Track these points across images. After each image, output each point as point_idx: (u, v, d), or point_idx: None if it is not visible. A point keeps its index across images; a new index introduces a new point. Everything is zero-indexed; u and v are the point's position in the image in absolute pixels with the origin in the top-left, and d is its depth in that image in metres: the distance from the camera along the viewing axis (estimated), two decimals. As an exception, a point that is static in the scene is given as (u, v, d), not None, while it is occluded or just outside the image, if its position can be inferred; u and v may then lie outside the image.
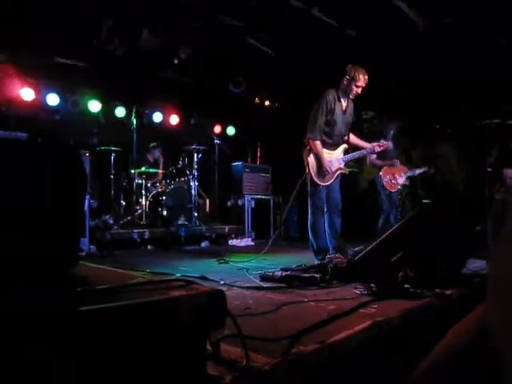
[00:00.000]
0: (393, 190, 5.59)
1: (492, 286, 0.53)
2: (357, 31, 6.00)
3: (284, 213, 6.59)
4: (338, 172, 4.31)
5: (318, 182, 4.21)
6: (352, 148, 4.55)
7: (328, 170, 4.18)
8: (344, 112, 4.34)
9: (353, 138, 4.50)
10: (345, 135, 4.42)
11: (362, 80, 4.15)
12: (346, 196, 4.44)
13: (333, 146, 4.34)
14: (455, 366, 0.72)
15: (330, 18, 5.70)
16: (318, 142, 4.20)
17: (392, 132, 5.73)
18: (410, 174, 5.73)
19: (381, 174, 5.64)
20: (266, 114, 8.84)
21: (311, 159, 4.24)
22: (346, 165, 4.41)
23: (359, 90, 4.23)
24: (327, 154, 4.27)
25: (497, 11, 5.01)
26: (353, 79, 4.15)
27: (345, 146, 4.41)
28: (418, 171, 5.78)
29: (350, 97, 4.31)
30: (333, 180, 4.27)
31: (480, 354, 0.64)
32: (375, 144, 4.49)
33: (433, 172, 5.77)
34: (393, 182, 5.60)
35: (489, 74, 5.81)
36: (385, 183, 5.60)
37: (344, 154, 4.38)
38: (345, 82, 4.23)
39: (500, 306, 0.50)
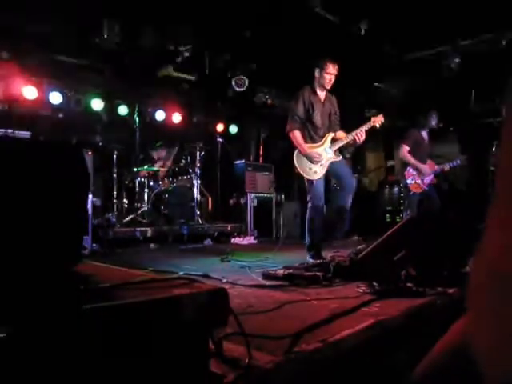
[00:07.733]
0: (418, 191, 5.27)
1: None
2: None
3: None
4: (328, 162, 4.25)
5: (310, 178, 4.21)
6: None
7: (316, 156, 4.16)
8: (323, 104, 4.35)
9: (340, 133, 4.36)
10: (330, 125, 4.37)
11: (330, 67, 4.18)
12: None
13: (320, 139, 4.33)
14: (445, 372, 0.73)
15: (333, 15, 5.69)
16: (297, 132, 4.21)
17: (434, 123, 5.42)
18: (439, 169, 5.31)
19: (405, 174, 5.37)
20: (268, 112, 8.83)
21: (297, 157, 4.24)
22: (338, 151, 4.32)
23: (331, 78, 4.23)
24: (314, 148, 4.24)
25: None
26: (322, 69, 4.21)
27: (331, 135, 4.34)
28: (451, 165, 5.26)
29: (326, 87, 4.30)
30: (324, 172, 4.23)
31: (463, 368, 0.64)
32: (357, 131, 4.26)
33: (466, 161, 5.25)
34: (417, 182, 5.28)
35: (491, 71, 5.78)
36: (409, 185, 5.32)
37: (331, 143, 4.31)
38: (316, 75, 4.28)
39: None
